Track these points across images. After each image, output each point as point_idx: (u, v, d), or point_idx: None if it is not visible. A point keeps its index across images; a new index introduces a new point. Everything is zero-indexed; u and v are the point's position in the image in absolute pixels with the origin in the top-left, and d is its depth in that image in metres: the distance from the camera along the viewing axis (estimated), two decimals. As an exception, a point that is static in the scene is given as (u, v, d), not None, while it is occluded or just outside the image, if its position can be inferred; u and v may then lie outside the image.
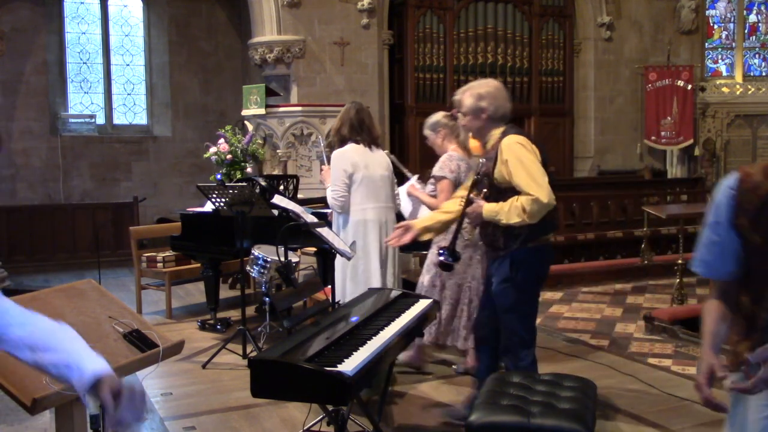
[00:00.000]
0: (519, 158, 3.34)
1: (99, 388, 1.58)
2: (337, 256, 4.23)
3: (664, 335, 5.74)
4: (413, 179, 4.87)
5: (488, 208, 3.39)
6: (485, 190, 3.47)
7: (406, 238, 3.66)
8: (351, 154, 4.35)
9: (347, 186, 4.32)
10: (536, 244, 3.50)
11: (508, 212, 3.33)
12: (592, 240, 8.78)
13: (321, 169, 4.73)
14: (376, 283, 4.36)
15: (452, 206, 3.72)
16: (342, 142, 4.42)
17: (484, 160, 3.55)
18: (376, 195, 4.36)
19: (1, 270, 7.79)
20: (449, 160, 4.51)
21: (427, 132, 4.73)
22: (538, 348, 5.40)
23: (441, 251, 3.54)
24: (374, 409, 3.74)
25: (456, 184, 4.33)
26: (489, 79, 3.74)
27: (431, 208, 4.36)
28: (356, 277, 4.35)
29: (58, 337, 1.68)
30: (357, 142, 4.38)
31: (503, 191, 3.41)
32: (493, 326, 3.80)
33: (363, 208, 4.34)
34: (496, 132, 3.52)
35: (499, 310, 3.61)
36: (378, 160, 4.43)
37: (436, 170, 4.51)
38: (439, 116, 4.73)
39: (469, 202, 3.48)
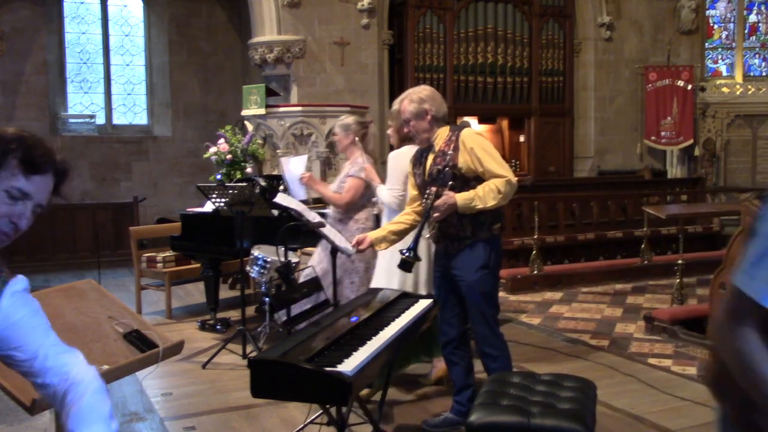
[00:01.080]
0: (482, 146, 3.57)
1: None
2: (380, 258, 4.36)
3: (664, 335, 5.74)
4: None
5: (462, 197, 3.50)
6: (451, 182, 3.55)
7: (362, 248, 3.81)
8: (408, 155, 4.44)
9: (405, 185, 4.40)
10: (498, 230, 3.69)
11: (484, 196, 3.48)
12: (592, 240, 8.79)
13: (364, 169, 4.84)
14: (424, 279, 4.43)
15: (404, 218, 3.84)
16: (402, 142, 4.53)
17: (441, 155, 3.63)
18: None
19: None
20: (362, 165, 4.83)
21: (336, 130, 5.03)
22: (539, 348, 5.45)
23: (405, 250, 3.52)
24: (374, 409, 3.74)
25: (366, 188, 4.76)
26: (422, 85, 3.94)
27: (329, 200, 4.72)
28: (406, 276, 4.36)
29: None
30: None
31: (468, 180, 3.56)
32: (462, 326, 3.84)
33: None
34: (443, 130, 3.70)
35: (474, 299, 3.66)
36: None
37: (355, 171, 4.79)
38: (351, 119, 5.04)
39: (437, 195, 3.51)
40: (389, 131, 4.71)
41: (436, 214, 3.53)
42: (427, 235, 3.66)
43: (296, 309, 3.84)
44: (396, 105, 3.82)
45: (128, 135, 11.10)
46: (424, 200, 3.60)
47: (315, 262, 4.84)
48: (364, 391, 4.22)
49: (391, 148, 4.74)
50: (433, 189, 3.54)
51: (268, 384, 2.58)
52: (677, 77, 11.29)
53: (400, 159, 4.42)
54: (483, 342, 3.73)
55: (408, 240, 3.68)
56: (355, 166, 4.85)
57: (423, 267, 4.36)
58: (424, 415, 4.11)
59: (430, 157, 3.70)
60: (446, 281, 3.78)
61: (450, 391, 4.50)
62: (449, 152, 3.59)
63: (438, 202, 3.50)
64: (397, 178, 4.46)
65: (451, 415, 3.91)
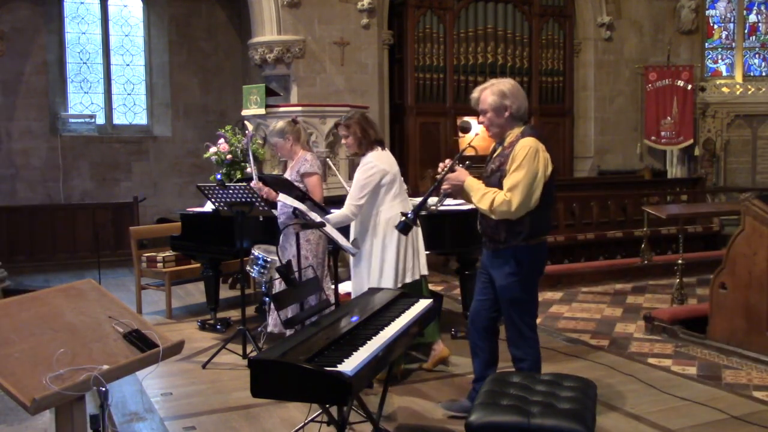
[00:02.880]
0: (522, 159, 3.50)
1: None
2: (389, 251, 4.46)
3: (664, 335, 5.74)
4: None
5: (471, 181, 3.57)
6: (468, 161, 3.67)
7: None
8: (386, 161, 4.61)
9: (371, 195, 4.52)
10: (537, 242, 3.65)
11: (482, 197, 3.53)
12: (592, 240, 8.78)
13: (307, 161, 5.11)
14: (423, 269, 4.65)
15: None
16: (368, 148, 4.61)
17: (500, 155, 3.64)
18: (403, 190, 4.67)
19: (1, 270, 7.79)
20: (314, 159, 5.17)
21: (275, 140, 5.21)
22: (538, 348, 5.44)
23: (410, 213, 3.59)
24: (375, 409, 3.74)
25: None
26: (506, 78, 3.83)
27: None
28: (406, 263, 4.53)
29: None
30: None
31: None
32: (491, 316, 3.88)
33: (403, 200, 4.61)
34: (516, 130, 3.65)
35: (504, 303, 3.73)
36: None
37: (307, 168, 5.05)
38: (282, 124, 5.25)
39: (451, 169, 3.60)
40: (345, 140, 4.65)
41: (445, 186, 3.61)
42: (433, 205, 3.67)
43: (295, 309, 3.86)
44: (476, 93, 3.73)
45: (128, 135, 11.10)
46: (441, 170, 3.66)
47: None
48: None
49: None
50: (448, 161, 3.63)
51: (268, 384, 2.58)
52: (677, 77, 11.29)
53: (383, 164, 4.46)
54: (510, 343, 3.80)
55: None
56: (304, 164, 5.10)
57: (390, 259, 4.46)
58: (424, 414, 4.12)
59: (498, 150, 3.73)
60: (486, 272, 3.83)
61: (452, 390, 4.51)
62: (506, 154, 3.59)
63: (450, 175, 3.58)
64: (365, 187, 4.45)
65: (467, 402, 3.95)
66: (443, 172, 3.59)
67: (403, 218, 3.57)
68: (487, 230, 3.70)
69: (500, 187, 3.55)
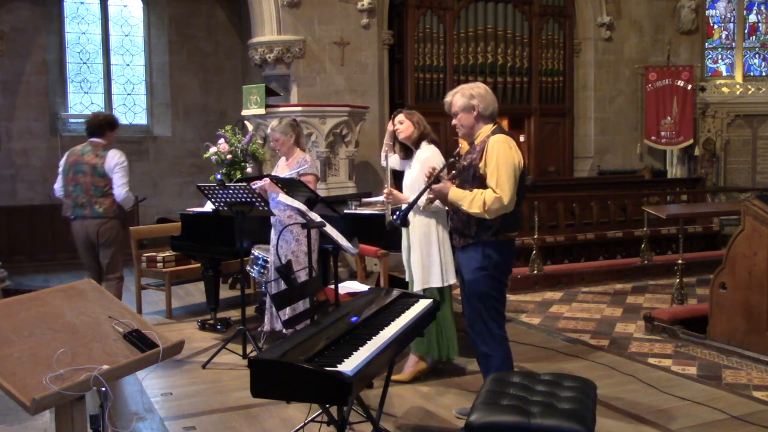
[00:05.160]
0: (499, 155, 3.63)
1: None
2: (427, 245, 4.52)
3: (664, 335, 5.74)
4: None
5: (454, 192, 3.69)
6: (454, 171, 3.82)
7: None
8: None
9: None
10: (505, 238, 3.77)
11: (471, 202, 3.62)
12: (592, 240, 8.79)
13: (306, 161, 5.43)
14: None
15: None
16: (419, 140, 4.74)
17: (472, 151, 3.78)
18: None
19: (1, 270, 7.79)
20: (312, 160, 5.52)
21: (278, 135, 5.38)
22: (539, 348, 5.45)
23: (398, 212, 3.72)
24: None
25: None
26: (477, 82, 4.01)
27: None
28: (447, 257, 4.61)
29: None
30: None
31: (485, 183, 3.66)
32: None
33: None
34: (486, 129, 3.80)
35: (470, 296, 3.80)
36: None
37: (306, 169, 5.28)
38: (288, 121, 5.50)
39: (437, 180, 3.74)
40: (400, 126, 4.70)
41: (430, 195, 3.79)
42: (422, 205, 3.89)
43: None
44: (448, 98, 3.93)
45: (128, 135, 11.08)
46: (426, 178, 3.83)
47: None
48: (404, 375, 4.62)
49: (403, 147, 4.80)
50: (435, 169, 3.84)
51: (268, 384, 2.58)
52: (677, 77, 11.29)
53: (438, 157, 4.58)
54: (478, 338, 3.82)
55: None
56: (304, 164, 5.30)
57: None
58: (424, 415, 4.11)
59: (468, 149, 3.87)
60: (459, 270, 3.93)
61: (452, 390, 4.51)
62: (477, 151, 3.72)
63: (435, 185, 3.74)
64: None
65: None
66: (429, 182, 3.75)
67: (392, 217, 3.73)
68: (458, 225, 3.80)
69: (474, 182, 3.67)
